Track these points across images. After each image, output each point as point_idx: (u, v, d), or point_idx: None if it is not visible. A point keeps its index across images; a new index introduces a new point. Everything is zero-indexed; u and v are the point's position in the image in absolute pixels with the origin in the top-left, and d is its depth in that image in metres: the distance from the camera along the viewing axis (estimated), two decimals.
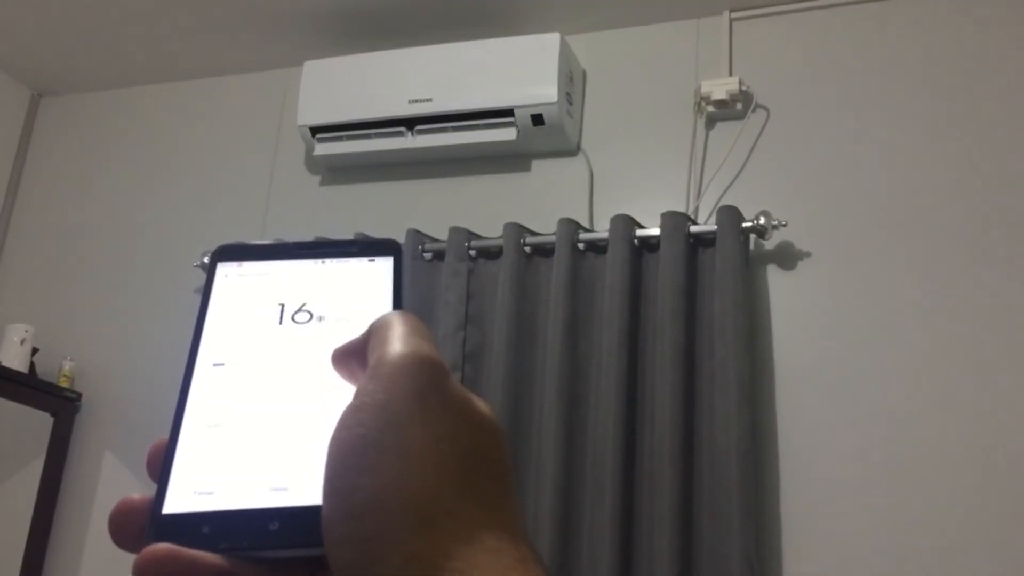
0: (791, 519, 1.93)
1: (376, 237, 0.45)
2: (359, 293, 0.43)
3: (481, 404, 0.36)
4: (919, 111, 2.10)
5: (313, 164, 2.62)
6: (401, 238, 2.30)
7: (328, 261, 0.44)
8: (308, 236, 2.38)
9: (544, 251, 2.20)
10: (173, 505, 0.35)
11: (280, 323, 0.41)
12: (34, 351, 2.59)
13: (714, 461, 1.89)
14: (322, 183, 2.61)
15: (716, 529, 1.85)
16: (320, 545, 0.34)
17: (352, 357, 0.38)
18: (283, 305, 0.42)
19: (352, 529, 0.32)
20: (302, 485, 0.36)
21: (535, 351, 2.12)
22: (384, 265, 0.44)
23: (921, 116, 2.10)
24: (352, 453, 0.33)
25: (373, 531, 0.31)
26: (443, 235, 2.27)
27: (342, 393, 0.38)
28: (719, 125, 2.26)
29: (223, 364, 0.40)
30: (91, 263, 2.79)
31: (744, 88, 2.21)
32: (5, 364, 2.49)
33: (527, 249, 2.20)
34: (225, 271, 0.43)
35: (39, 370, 2.60)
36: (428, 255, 2.29)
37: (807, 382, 2.00)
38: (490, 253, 2.24)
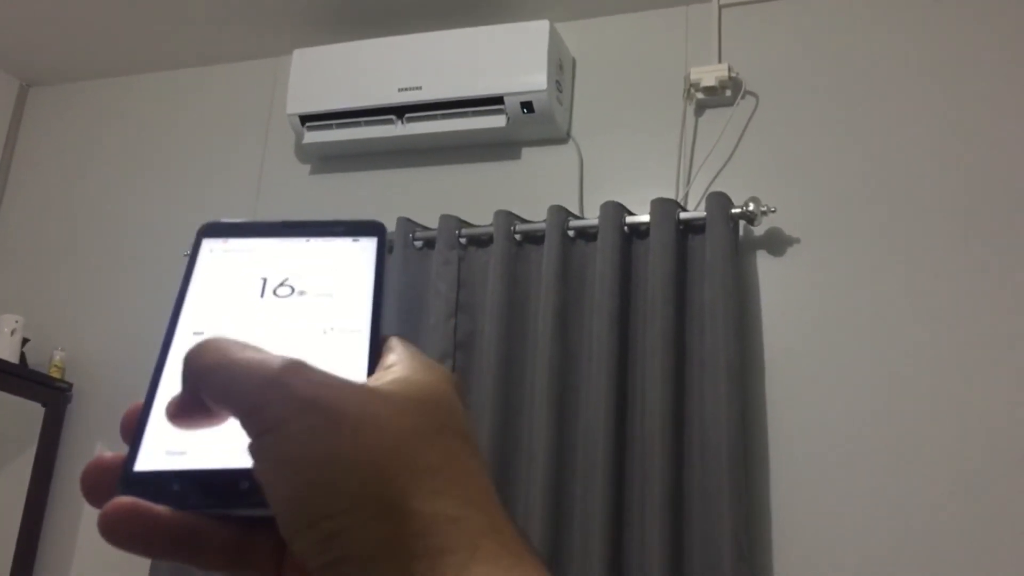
0: (781, 504, 1.94)
1: (360, 218, 0.44)
2: (341, 270, 0.43)
3: (433, 369, 0.37)
4: (908, 97, 2.10)
5: (303, 153, 2.62)
6: (391, 226, 2.30)
7: (313, 240, 0.44)
8: None
9: (534, 238, 2.20)
10: (144, 463, 0.36)
11: (261, 296, 0.41)
12: (25, 341, 2.59)
13: (704, 447, 1.90)
14: (312, 171, 2.61)
15: (706, 514, 1.86)
16: None
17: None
18: (265, 279, 0.42)
19: (305, 467, 0.32)
20: None
21: (526, 338, 2.12)
22: (368, 245, 0.44)
23: (910, 102, 2.10)
24: (315, 401, 0.33)
25: (323, 472, 0.31)
26: (433, 223, 2.28)
27: (323, 362, 0.37)
28: (708, 112, 2.27)
29: (202, 333, 0.40)
30: (81, 253, 2.78)
31: (733, 75, 2.21)
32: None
33: (517, 237, 2.20)
34: (210, 246, 0.43)
35: (30, 360, 2.59)
36: (419, 243, 2.29)
37: (796, 367, 2.01)
38: (480, 241, 2.25)
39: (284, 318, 0.41)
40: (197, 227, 0.44)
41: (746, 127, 2.22)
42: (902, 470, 1.88)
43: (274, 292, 0.42)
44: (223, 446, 0.36)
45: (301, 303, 0.41)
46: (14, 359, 2.53)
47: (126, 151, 2.85)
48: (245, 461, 0.35)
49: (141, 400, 0.38)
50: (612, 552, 1.87)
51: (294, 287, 0.42)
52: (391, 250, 2.29)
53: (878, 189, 2.07)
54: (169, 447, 0.36)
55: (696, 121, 2.27)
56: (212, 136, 2.76)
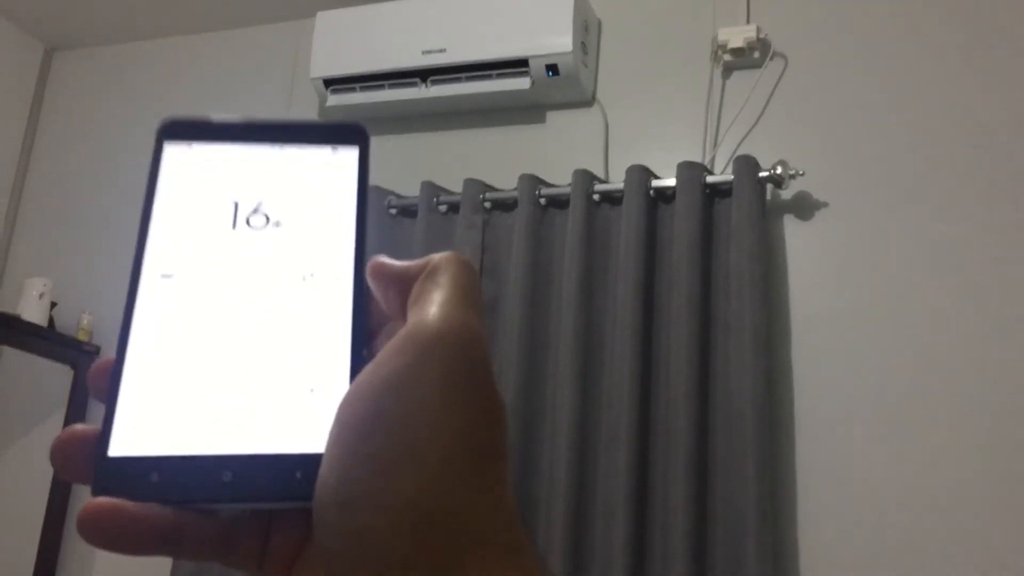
0: (806, 468, 1.93)
1: (340, 121, 0.40)
2: (320, 192, 0.39)
3: (499, 394, 0.33)
4: (939, 59, 2.06)
5: (327, 117, 2.61)
6: (416, 191, 2.30)
7: (287, 147, 0.39)
8: None
9: (559, 203, 2.19)
10: (119, 447, 0.33)
11: (234, 227, 0.37)
12: (53, 305, 2.61)
13: (729, 411, 1.89)
14: None
15: (731, 478, 1.85)
16: (274, 499, 0.32)
17: (395, 282, 0.36)
18: (237, 204, 0.38)
19: (343, 520, 0.30)
20: (259, 427, 0.34)
21: (550, 303, 2.11)
22: (348, 157, 0.40)
23: (941, 64, 2.06)
24: (360, 436, 0.31)
25: (366, 526, 0.30)
26: (458, 187, 2.27)
27: (303, 318, 0.35)
28: (736, 74, 2.24)
29: (171, 276, 0.36)
30: (107, 217, 2.80)
31: (762, 36, 2.17)
32: (25, 318, 2.51)
33: (542, 201, 2.19)
34: (173, 153, 0.39)
35: (58, 324, 2.62)
36: (443, 207, 2.29)
37: (823, 332, 1.99)
38: (505, 205, 2.24)
39: (259, 259, 0.37)
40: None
41: (774, 89, 2.18)
42: (928, 434, 1.87)
43: (247, 221, 0.37)
44: (205, 426, 0.33)
45: (277, 238, 0.37)
46: (43, 322, 2.56)
47: (150, 115, 2.85)
48: (227, 446, 0.33)
49: (111, 356, 0.35)
50: (636, 516, 1.87)
51: (269, 216, 0.38)
52: (416, 215, 2.28)
53: (908, 152, 2.03)
54: (145, 425, 0.33)
55: (723, 83, 2.24)
56: (236, 100, 2.75)
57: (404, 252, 2.25)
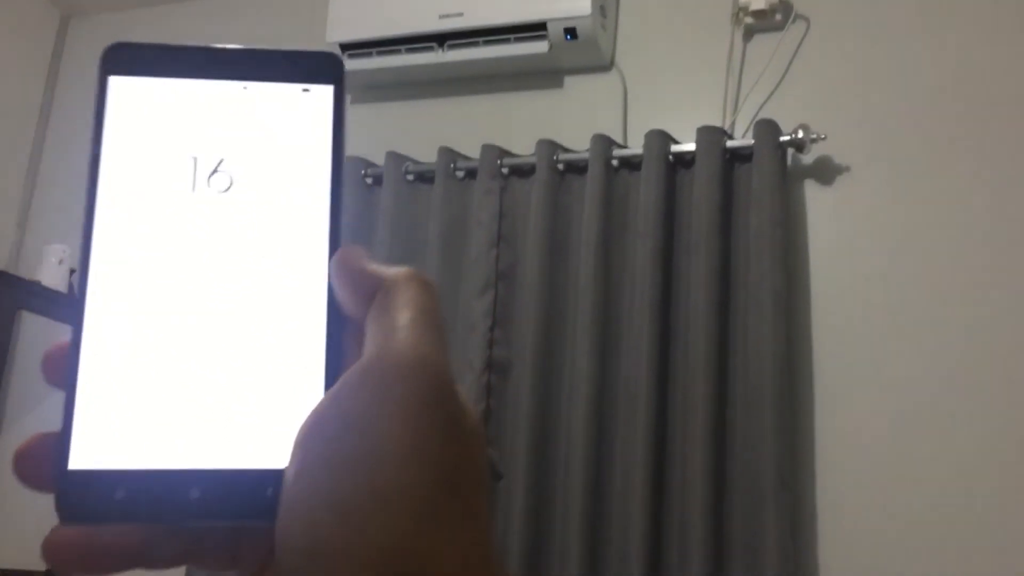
0: (824, 434, 1.92)
1: (311, 50, 0.36)
2: (290, 144, 0.34)
3: (470, 416, 0.32)
4: (964, 19, 2.03)
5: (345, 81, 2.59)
6: (433, 157, 2.28)
7: (251, 86, 0.35)
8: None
9: (577, 168, 2.17)
10: (80, 459, 0.31)
11: (193, 189, 0.33)
12: (72, 271, 2.62)
13: (748, 378, 1.88)
14: (352, 102, 2.59)
15: (750, 445, 1.85)
16: (244, 518, 0.31)
17: (355, 285, 0.33)
18: (196, 159, 0.34)
19: (311, 568, 0.29)
20: (227, 439, 0.32)
21: (568, 269, 2.10)
22: (322, 98, 0.35)
23: (967, 25, 2.02)
24: (323, 480, 0.29)
25: (330, 566, 0.28)
26: (475, 153, 2.25)
27: (275, 309, 0.33)
28: (757, 37, 2.20)
29: (126, 253, 0.33)
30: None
31: None
32: (45, 284, 2.52)
33: (560, 166, 2.17)
34: (120, 91, 0.34)
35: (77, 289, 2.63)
36: (460, 173, 2.27)
37: (844, 299, 1.98)
38: (523, 171, 2.22)
39: (223, 233, 0.33)
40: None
41: (796, 52, 2.15)
42: (950, 402, 1.86)
43: (208, 182, 0.34)
44: (168, 438, 0.31)
45: (242, 204, 0.34)
46: (62, 288, 2.57)
47: None
48: (193, 460, 0.31)
49: (66, 340, 0.32)
50: (654, 482, 1.87)
51: (232, 176, 0.34)
52: (433, 181, 2.27)
53: (931, 115, 2.00)
54: (105, 433, 0.31)
55: (744, 47, 2.21)
56: None
57: (421, 219, 2.25)
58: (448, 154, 2.27)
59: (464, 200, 2.24)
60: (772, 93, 2.14)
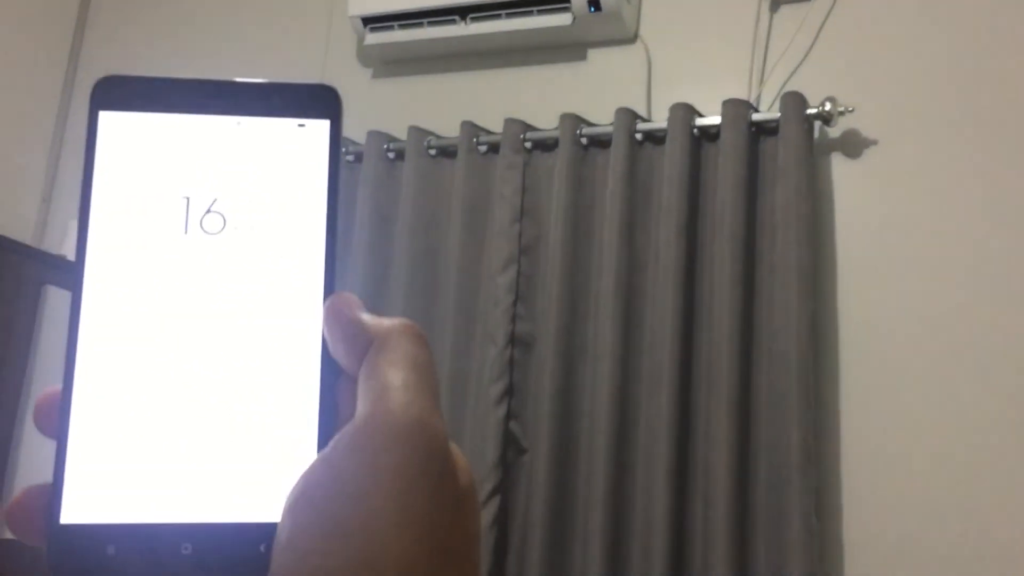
0: (850, 410, 1.91)
1: (308, 82, 0.35)
2: (285, 182, 0.34)
3: (464, 474, 0.31)
4: None
5: (365, 57, 2.58)
6: (455, 131, 2.27)
7: (244, 121, 0.34)
8: (362, 130, 2.36)
9: (601, 142, 2.15)
10: (72, 513, 0.31)
11: (185, 231, 0.33)
12: None
13: (773, 352, 1.87)
14: (374, 76, 2.58)
15: (774, 420, 1.84)
16: (237, 573, 0.30)
17: (347, 338, 0.33)
18: (188, 199, 0.33)
19: None
20: (219, 492, 0.31)
21: (591, 244, 2.09)
22: (318, 133, 0.34)
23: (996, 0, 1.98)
24: (316, 548, 0.29)
25: None
26: (498, 127, 2.24)
27: (269, 359, 0.32)
28: (784, 8, 2.17)
29: (118, 299, 0.32)
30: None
31: None
32: (70, 258, 2.54)
33: (583, 140, 2.15)
34: (110, 125, 0.34)
35: None
36: (483, 148, 2.26)
37: (870, 273, 1.96)
38: (546, 145, 2.20)
39: (217, 277, 0.33)
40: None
41: (824, 24, 2.12)
42: (976, 378, 1.84)
43: (201, 224, 0.33)
44: (160, 492, 0.31)
45: (235, 247, 0.33)
46: None
47: (187, 55, 2.84)
48: (185, 514, 0.31)
49: (57, 387, 0.32)
50: (677, 457, 1.87)
51: (225, 216, 0.33)
52: (455, 155, 2.26)
53: (960, 88, 1.97)
54: (97, 486, 0.31)
55: (771, 17, 2.18)
56: (274, 40, 2.73)
57: (444, 193, 2.24)
58: (471, 128, 2.25)
59: (487, 175, 2.23)
60: (799, 65, 2.11)
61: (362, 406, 0.31)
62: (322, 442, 0.32)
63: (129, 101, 0.34)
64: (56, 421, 0.31)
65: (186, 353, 0.32)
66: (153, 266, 0.33)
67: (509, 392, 2.05)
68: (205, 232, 0.33)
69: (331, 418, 0.32)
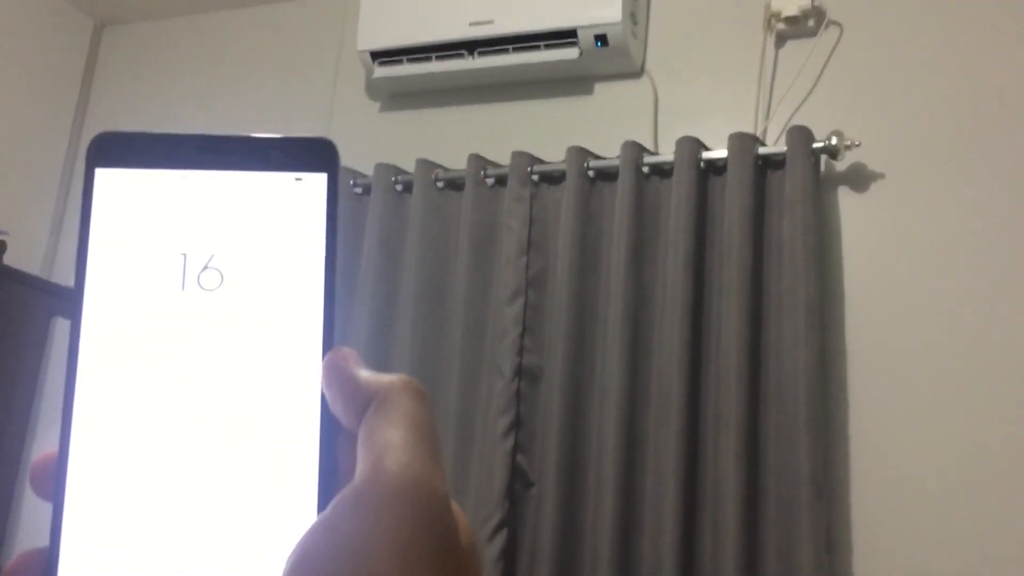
0: (859, 443, 1.91)
1: (304, 136, 0.35)
2: (282, 237, 0.34)
3: (465, 534, 0.31)
4: (999, 27, 2.00)
5: (373, 90, 2.60)
6: (463, 164, 2.29)
7: (242, 175, 0.34)
8: (370, 162, 2.38)
9: (608, 175, 2.17)
10: (70, 568, 0.30)
11: (183, 288, 0.33)
12: None
13: (781, 386, 1.87)
14: (382, 109, 2.60)
15: (783, 453, 1.83)
16: None
17: (346, 396, 0.32)
18: (186, 256, 0.33)
19: None
20: (216, 554, 0.31)
21: (599, 276, 2.10)
22: (315, 187, 0.34)
23: (1001, 32, 2.00)
24: None
25: None
26: (505, 160, 2.25)
27: (267, 419, 0.32)
28: (790, 43, 2.19)
29: (115, 359, 0.32)
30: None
31: (816, 4, 2.13)
32: None
33: (590, 173, 2.17)
34: (107, 182, 0.34)
35: None
36: (490, 180, 2.27)
37: (878, 307, 1.96)
38: (553, 178, 2.22)
39: (214, 335, 0.33)
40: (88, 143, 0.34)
41: (829, 59, 2.14)
42: (986, 409, 1.83)
43: (198, 281, 0.33)
44: (158, 554, 0.31)
45: (233, 303, 0.33)
46: None
47: (198, 90, 2.87)
48: (182, 568, 0.30)
49: (53, 450, 0.32)
50: (686, 488, 1.86)
51: (223, 272, 0.33)
52: (463, 188, 2.27)
53: (966, 123, 1.98)
54: (94, 549, 0.31)
55: (776, 53, 2.20)
56: (283, 73, 2.76)
57: (451, 226, 2.25)
58: (478, 161, 2.27)
59: (494, 207, 2.24)
60: (805, 99, 2.13)
61: (362, 466, 0.30)
62: (322, 502, 0.32)
63: (125, 157, 0.34)
64: (52, 484, 0.31)
65: (184, 412, 0.32)
66: (150, 324, 0.32)
67: (516, 424, 2.05)
68: (202, 288, 0.33)
69: (331, 476, 0.32)
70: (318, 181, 0.34)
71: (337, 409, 0.33)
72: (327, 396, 0.33)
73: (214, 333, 0.33)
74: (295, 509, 0.32)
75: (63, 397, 0.32)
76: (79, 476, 0.31)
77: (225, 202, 0.34)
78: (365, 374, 0.33)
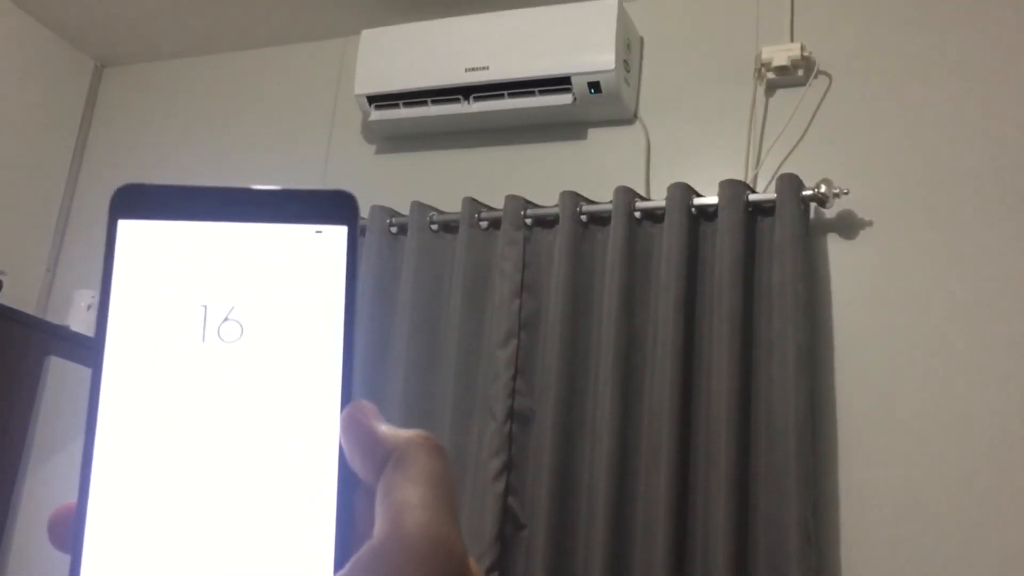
0: (849, 489, 1.91)
1: (324, 189, 0.36)
2: (302, 289, 0.34)
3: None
4: (985, 80, 2.04)
5: (370, 133, 2.63)
6: (457, 207, 2.31)
7: (263, 227, 0.34)
8: (365, 204, 2.40)
9: (600, 220, 2.19)
10: None
11: (203, 339, 0.33)
12: None
13: (771, 432, 1.88)
14: (378, 151, 2.63)
15: (773, 499, 1.84)
16: None
17: (364, 450, 0.33)
18: (207, 307, 0.34)
19: None
20: None
21: (591, 320, 2.12)
22: (335, 240, 0.35)
23: (987, 84, 2.04)
24: None
25: None
26: (499, 203, 2.28)
27: (284, 471, 0.32)
28: (779, 92, 2.23)
29: (134, 411, 0.32)
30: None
31: (806, 54, 2.17)
32: (73, 328, 2.55)
33: (583, 217, 2.19)
34: (129, 234, 0.34)
35: None
36: (484, 223, 2.30)
37: (867, 353, 1.98)
38: (546, 221, 2.24)
39: (233, 387, 0.33)
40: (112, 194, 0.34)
41: (818, 108, 2.17)
42: (974, 454, 1.84)
43: (218, 333, 0.33)
44: None
45: (252, 355, 0.33)
46: (91, 333, 2.60)
47: (197, 131, 2.90)
48: None
49: (72, 502, 0.32)
50: (676, 534, 1.87)
51: (243, 324, 0.33)
52: (457, 230, 2.29)
53: (952, 171, 2.01)
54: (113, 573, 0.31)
55: (767, 101, 2.24)
56: (281, 116, 2.79)
57: (445, 268, 2.27)
58: (472, 204, 2.29)
59: (488, 250, 2.27)
60: (794, 147, 2.16)
61: (380, 524, 0.31)
62: (338, 557, 0.32)
63: (147, 209, 0.34)
64: (71, 536, 0.31)
65: (202, 465, 0.32)
66: (170, 375, 0.33)
67: (508, 467, 2.05)
68: (222, 340, 0.33)
69: (348, 531, 0.32)
70: (338, 233, 0.35)
71: (355, 463, 0.33)
72: (345, 450, 0.33)
73: (234, 385, 0.33)
74: (312, 564, 0.32)
75: (82, 447, 0.32)
76: (98, 528, 0.31)
77: (245, 254, 0.34)
78: (384, 429, 0.33)
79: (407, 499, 0.31)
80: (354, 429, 0.33)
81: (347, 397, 0.33)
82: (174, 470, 0.32)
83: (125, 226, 0.34)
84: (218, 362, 0.33)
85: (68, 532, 0.31)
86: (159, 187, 0.35)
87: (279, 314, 0.34)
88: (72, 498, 0.32)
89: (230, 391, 0.33)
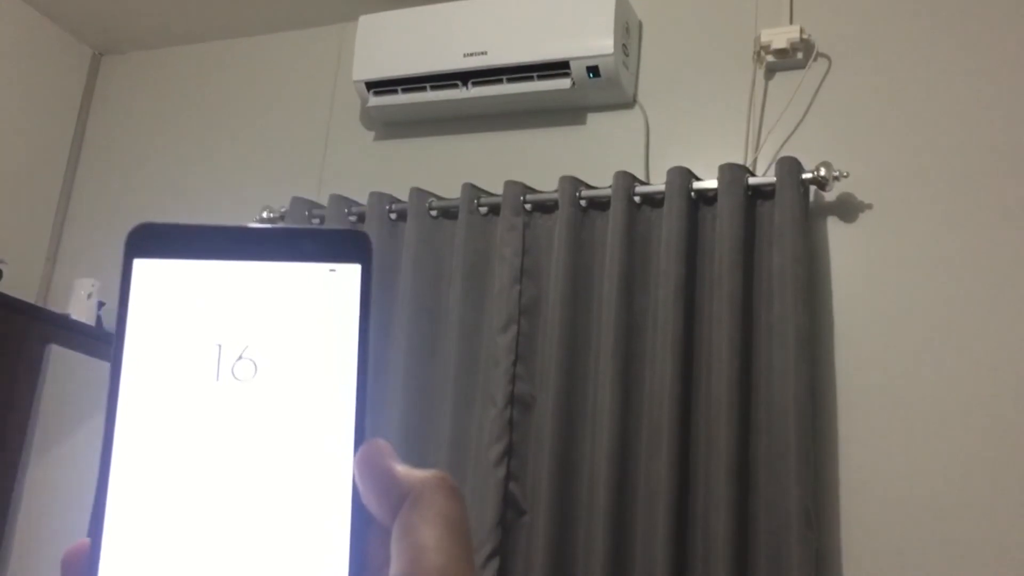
0: (849, 473, 1.91)
1: (339, 228, 0.37)
2: (317, 328, 0.34)
3: None
4: (985, 59, 2.03)
5: (369, 119, 2.63)
6: (456, 193, 2.31)
7: (277, 266, 0.35)
8: (364, 191, 2.40)
9: (600, 204, 2.19)
10: None
11: (217, 378, 0.33)
12: (100, 305, 2.66)
13: (771, 416, 1.88)
14: (377, 138, 2.62)
15: (773, 484, 1.84)
16: None
17: (380, 490, 0.33)
18: (221, 346, 0.34)
19: None
20: None
21: (591, 305, 2.11)
22: (349, 278, 0.35)
23: (988, 65, 2.03)
24: None
25: None
26: (498, 189, 2.27)
27: (297, 510, 0.33)
28: (779, 75, 2.22)
29: (149, 446, 0.33)
30: (154, 219, 2.84)
31: (805, 37, 2.16)
32: (73, 317, 2.56)
33: (583, 203, 2.19)
34: (144, 273, 0.34)
35: (105, 323, 2.66)
36: (483, 209, 2.29)
37: (867, 335, 1.97)
38: (545, 207, 2.24)
39: (247, 425, 0.33)
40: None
41: (818, 90, 2.16)
42: (974, 438, 1.84)
43: (232, 372, 0.34)
44: None
45: (266, 394, 0.33)
46: (91, 322, 2.60)
47: (195, 118, 2.89)
48: None
49: (86, 540, 0.32)
50: (677, 519, 1.87)
51: (256, 363, 0.34)
52: (456, 216, 2.29)
53: (953, 153, 2.01)
54: None
55: (766, 84, 2.23)
56: (279, 103, 2.78)
57: (445, 255, 2.27)
58: (471, 190, 2.29)
59: (487, 236, 2.26)
60: (794, 130, 2.15)
61: (396, 566, 0.31)
62: None
63: (162, 248, 0.35)
64: (84, 574, 0.31)
65: (216, 504, 0.32)
66: (184, 414, 0.33)
67: (509, 453, 2.05)
68: (236, 379, 0.33)
69: (362, 570, 0.32)
70: (352, 272, 0.35)
71: (370, 502, 0.33)
72: (360, 489, 0.33)
73: (248, 424, 0.33)
74: None
75: (96, 485, 0.32)
76: (112, 567, 0.31)
77: (260, 292, 0.34)
78: (400, 469, 0.33)
79: (424, 541, 0.31)
80: (370, 469, 0.33)
81: (361, 435, 0.33)
82: (188, 509, 0.32)
83: (140, 265, 0.34)
84: (232, 401, 0.33)
85: (81, 570, 0.31)
86: (174, 226, 0.35)
87: (293, 352, 0.34)
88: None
89: (244, 430, 0.33)
